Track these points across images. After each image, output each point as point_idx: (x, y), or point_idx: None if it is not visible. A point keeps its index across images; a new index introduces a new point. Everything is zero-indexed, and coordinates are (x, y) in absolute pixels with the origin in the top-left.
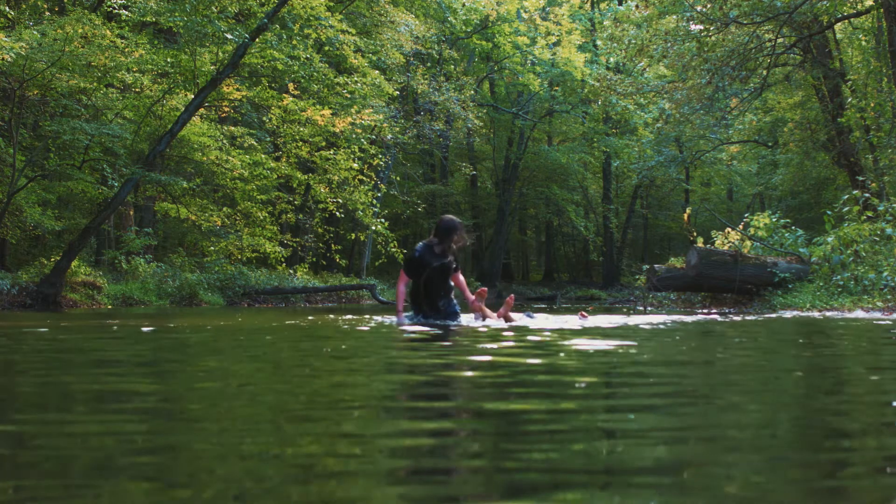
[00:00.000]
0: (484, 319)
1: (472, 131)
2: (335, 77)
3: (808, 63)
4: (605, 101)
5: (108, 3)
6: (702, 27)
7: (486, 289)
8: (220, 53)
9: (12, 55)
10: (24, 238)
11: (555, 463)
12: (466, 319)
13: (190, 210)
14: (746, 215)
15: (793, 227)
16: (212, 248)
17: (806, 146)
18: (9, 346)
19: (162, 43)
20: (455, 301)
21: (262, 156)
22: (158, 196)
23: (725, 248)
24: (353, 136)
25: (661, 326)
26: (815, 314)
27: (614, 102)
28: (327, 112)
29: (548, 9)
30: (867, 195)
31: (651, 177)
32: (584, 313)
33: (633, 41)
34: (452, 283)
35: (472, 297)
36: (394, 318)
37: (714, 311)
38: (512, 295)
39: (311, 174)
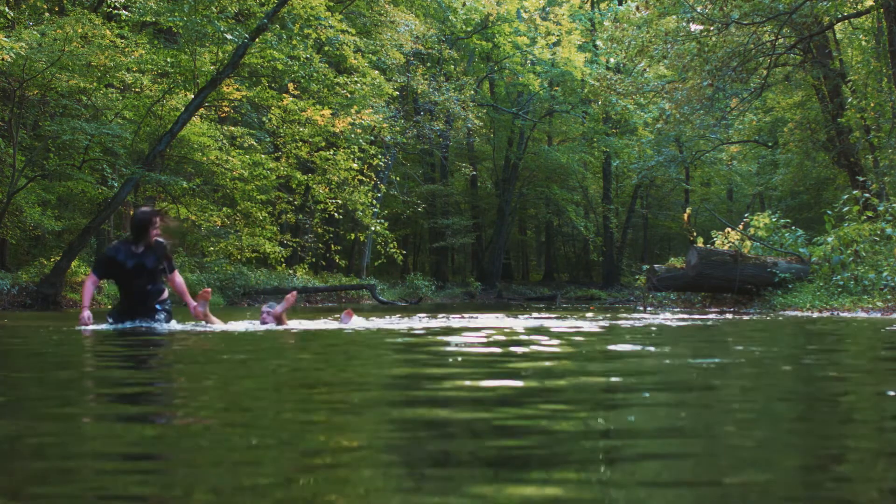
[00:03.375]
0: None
1: (472, 131)
2: (335, 77)
3: (809, 63)
4: (605, 101)
5: (108, 3)
6: (702, 28)
7: (209, 290)
8: (220, 53)
9: (12, 55)
10: (24, 238)
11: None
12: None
13: (190, 210)
14: (746, 215)
15: (793, 227)
16: (212, 248)
17: (806, 146)
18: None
19: (162, 43)
20: (166, 304)
21: (262, 156)
22: (158, 196)
23: (725, 248)
24: (353, 136)
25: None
26: (815, 314)
27: (614, 102)
28: (327, 112)
29: (548, 9)
30: (867, 195)
31: (651, 177)
32: (349, 311)
33: (634, 42)
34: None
35: (194, 304)
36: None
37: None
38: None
39: (310, 174)
